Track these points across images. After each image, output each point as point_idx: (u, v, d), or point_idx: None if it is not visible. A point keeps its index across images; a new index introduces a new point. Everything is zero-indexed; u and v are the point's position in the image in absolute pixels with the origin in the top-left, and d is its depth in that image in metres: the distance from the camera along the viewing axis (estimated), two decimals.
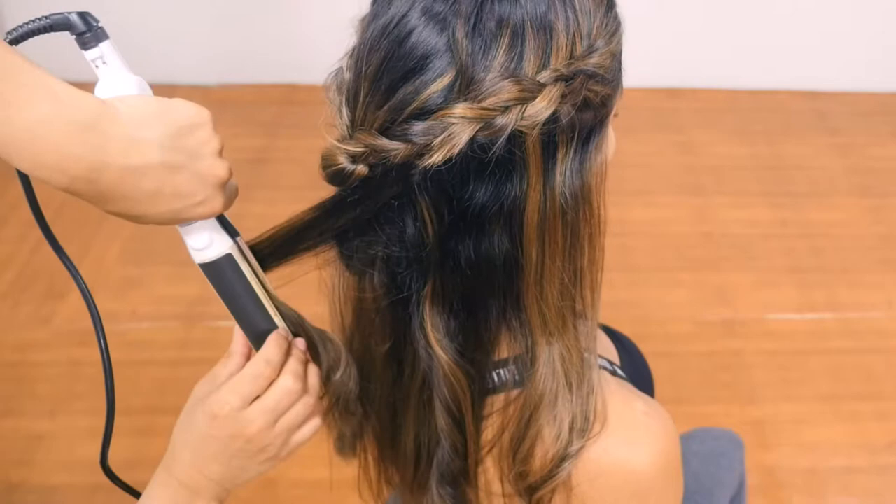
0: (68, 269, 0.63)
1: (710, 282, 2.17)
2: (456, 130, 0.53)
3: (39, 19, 0.53)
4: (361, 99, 0.58)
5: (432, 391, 0.67)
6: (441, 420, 0.68)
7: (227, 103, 2.74)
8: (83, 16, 0.54)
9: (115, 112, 0.50)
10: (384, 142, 0.55)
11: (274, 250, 0.66)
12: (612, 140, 0.64)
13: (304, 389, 0.65)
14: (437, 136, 0.54)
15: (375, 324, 0.68)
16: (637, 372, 0.84)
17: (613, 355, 0.82)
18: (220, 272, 0.62)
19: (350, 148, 0.56)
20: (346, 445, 0.83)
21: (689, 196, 2.46)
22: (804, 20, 2.76)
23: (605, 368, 0.71)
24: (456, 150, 0.54)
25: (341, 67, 0.61)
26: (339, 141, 0.57)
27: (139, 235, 2.27)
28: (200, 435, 0.63)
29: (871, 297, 2.12)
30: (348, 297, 0.70)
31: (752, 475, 1.37)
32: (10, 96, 0.47)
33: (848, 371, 1.93)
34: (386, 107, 0.56)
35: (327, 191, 0.59)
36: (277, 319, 0.66)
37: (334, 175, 0.57)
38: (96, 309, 0.63)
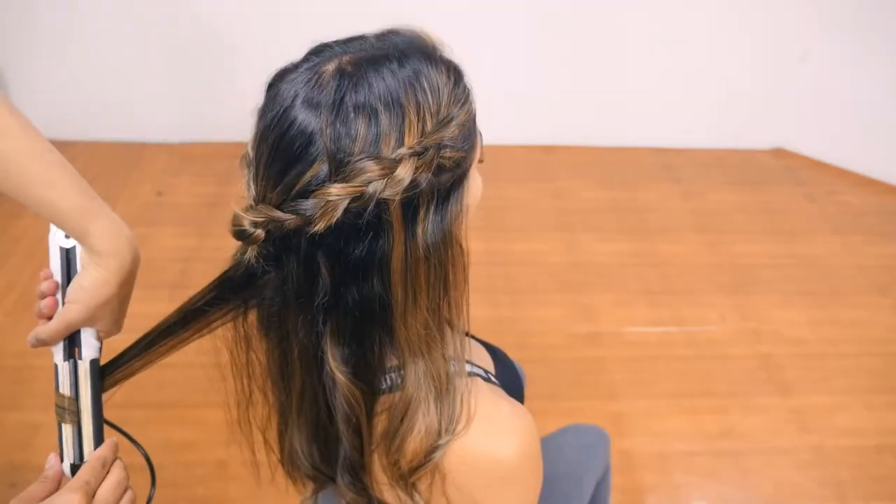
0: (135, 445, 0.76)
1: (579, 302, 2.26)
2: (332, 205, 0.56)
3: None
4: (259, 179, 0.61)
5: (333, 402, 0.69)
6: (342, 426, 0.70)
7: (189, 157, 2.87)
8: None
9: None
10: (279, 214, 0.58)
11: (188, 317, 0.70)
12: (477, 185, 0.66)
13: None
14: (319, 210, 0.57)
15: (292, 363, 0.69)
16: (509, 378, 0.86)
17: (489, 365, 0.84)
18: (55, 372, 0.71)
19: (252, 217, 0.60)
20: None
21: (561, 233, 2.55)
22: (653, 90, 2.89)
23: (480, 376, 0.73)
24: (334, 220, 0.57)
25: (248, 150, 0.63)
26: (244, 210, 0.61)
27: None
28: None
29: (708, 314, 2.23)
30: (268, 348, 0.71)
31: (611, 459, 1.38)
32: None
33: (689, 374, 2.03)
34: (278, 188, 0.59)
35: None
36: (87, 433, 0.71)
37: (238, 233, 0.61)
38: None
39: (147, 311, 2.47)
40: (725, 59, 2.84)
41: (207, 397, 1.76)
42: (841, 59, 2.76)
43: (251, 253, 0.63)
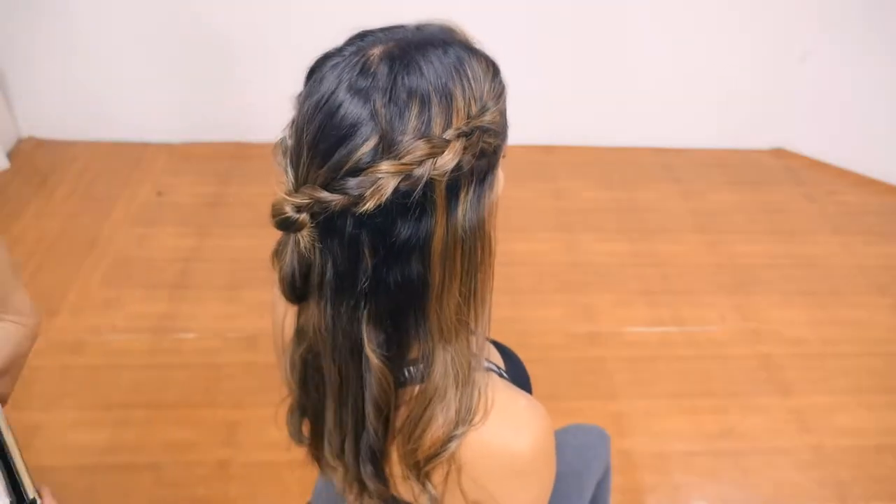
0: None
1: (578, 302, 2.27)
2: (383, 183, 0.56)
3: None
4: (304, 161, 0.60)
5: (364, 389, 0.70)
6: (370, 410, 0.70)
7: (189, 157, 2.88)
8: None
9: None
10: (325, 194, 0.58)
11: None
12: (502, 179, 0.68)
13: None
14: (368, 188, 0.57)
15: (328, 343, 0.70)
16: (518, 375, 0.87)
17: (500, 362, 0.84)
18: None
19: (296, 200, 0.59)
20: (294, 424, 0.86)
21: (561, 232, 2.57)
22: (653, 90, 2.91)
23: (494, 371, 0.75)
24: (384, 198, 0.57)
25: (284, 136, 0.64)
26: (286, 194, 0.60)
27: (117, 265, 2.30)
28: None
29: (708, 314, 2.25)
30: (308, 323, 0.72)
31: (611, 459, 1.41)
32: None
33: (689, 374, 2.05)
34: (326, 167, 0.58)
35: (269, 228, 0.63)
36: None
37: (282, 222, 0.60)
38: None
39: (147, 311, 2.49)
40: (725, 59, 2.85)
41: (208, 397, 1.88)
42: (841, 59, 2.78)
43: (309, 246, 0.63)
